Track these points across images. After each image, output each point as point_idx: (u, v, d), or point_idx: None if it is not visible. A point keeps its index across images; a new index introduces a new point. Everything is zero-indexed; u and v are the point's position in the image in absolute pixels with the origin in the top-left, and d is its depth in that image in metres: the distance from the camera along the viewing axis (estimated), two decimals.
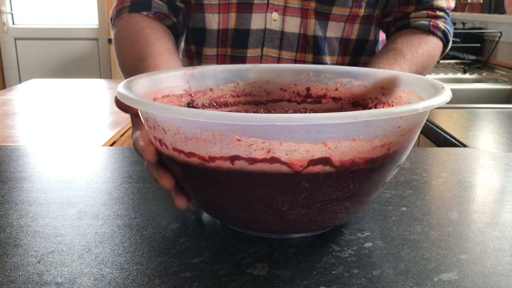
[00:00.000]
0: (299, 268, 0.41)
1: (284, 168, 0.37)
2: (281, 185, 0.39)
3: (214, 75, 0.60)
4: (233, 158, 0.38)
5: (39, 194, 0.57)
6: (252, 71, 0.61)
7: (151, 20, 0.75)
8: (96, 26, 4.03)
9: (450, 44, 0.81)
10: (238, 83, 0.61)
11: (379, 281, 0.39)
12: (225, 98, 0.61)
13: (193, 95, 0.58)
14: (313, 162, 0.37)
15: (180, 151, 0.40)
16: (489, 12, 2.64)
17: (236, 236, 0.46)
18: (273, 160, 0.37)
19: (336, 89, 0.58)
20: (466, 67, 2.13)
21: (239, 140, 0.37)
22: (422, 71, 0.74)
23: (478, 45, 2.26)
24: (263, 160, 0.37)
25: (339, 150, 0.37)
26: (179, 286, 0.39)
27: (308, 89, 0.60)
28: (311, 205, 0.41)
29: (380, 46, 0.88)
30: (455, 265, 0.42)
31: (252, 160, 0.37)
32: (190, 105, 0.59)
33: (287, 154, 0.37)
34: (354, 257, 0.43)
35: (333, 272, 0.41)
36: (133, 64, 0.67)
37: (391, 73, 0.55)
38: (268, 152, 0.37)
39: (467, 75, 2.00)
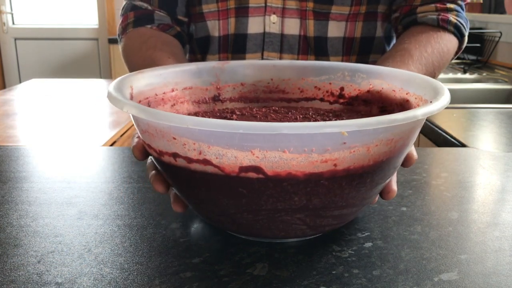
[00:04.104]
0: (299, 268, 0.41)
1: (218, 172, 0.37)
2: (220, 187, 0.39)
3: (247, 70, 0.60)
4: (175, 155, 0.39)
5: (39, 194, 0.57)
6: (288, 68, 0.60)
7: (156, 31, 0.76)
8: (96, 26, 4.03)
9: (466, 39, 0.76)
10: (271, 79, 0.60)
11: (379, 281, 0.39)
12: (256, 93, 0.60)
13: (220, 88, 0.58)
14: (244, 169, 0.36)
15: (145, 143, 0.43)
16: (489, 12, 2.64)
17: (236, 236, 0.46)
18: (206, 162, 0.37)
19: (368, 91, 0.56)
20: (466, 67, 2.13)
21: (174, 138, 0.38)
22: (434, 71, 0.69)
23: (478, 45, 2.27)
24: (198, 161, 0.38)
25: (269, 160, 0.36)
26: (179, 286, 0.39)
27: (342, 88, 0.58)
28: (257, 212, 0.40)
29: (394, 41, 0.84)
30: (455, 265, 0.42)
31: (189, 159, 0.38)
32: (216, 98, 0.59)
33: (217, 158, 0.37)
34: (354, 257, 0.43)
35: (333, 272, 0.41)
36: (146, 68, 0.68)
37: (411, 75, 0.52)
38: (200, 153, 0.37)
39: (467, 75, 2.00)
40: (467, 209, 0.53)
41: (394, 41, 0.84)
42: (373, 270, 0.41)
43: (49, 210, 0.52)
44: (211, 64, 0.59)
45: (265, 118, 0.53)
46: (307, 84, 0.60)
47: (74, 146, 1.08)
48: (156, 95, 0.53)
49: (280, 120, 0.52)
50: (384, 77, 0.55)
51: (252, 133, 0.34)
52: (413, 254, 0.44)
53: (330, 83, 0.59)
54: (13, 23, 4.08)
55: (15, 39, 4.07)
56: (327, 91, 0.59)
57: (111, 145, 1.35)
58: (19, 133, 1.44)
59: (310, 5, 0.75)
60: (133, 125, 1.56)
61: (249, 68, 0.60)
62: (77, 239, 0.46)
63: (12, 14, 4.06)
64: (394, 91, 0.53)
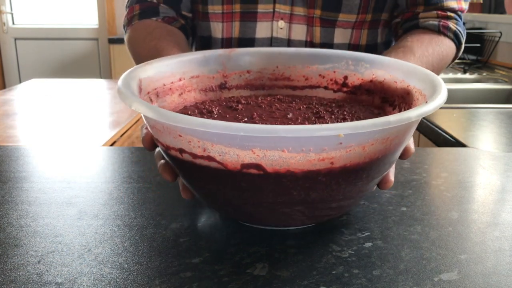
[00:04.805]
0: (299, 268, 0.41)
1: (222, 167, 0.38)
2: (224, 181, 0.40)
3: (253, 57, 0.60)
4: (181, 151, 0.40)
5: (39, 194, 0.57)
6: (294, 56, 0.61)
7: (161, 23, 0.78)
8: (96, 26, 4.03)
9: (463, 47, 0.78)
10: (277, 67, 0.61)
11: (379, 281, 0.39)
12: (262, 81, 0.61)
13: (226, 76, 0.59)
14: (245, 166, 0.38)
15: (154, 137, 0.44)
16: (489, 12, 2.64)
17: (236, 236, 0.47)
18: (210, 158, 0.38)
19: (371, 81, 0.57)
20: (466, 67, 2.13)
21: (180, 136, 0.39)
22: (433, 71, 0.70)
23: (478, 45, 2.26)
24: (202, 157, 0.39)
25: (269, 159, 0.37)
26: (179, 286, 0.39)
27: (345, 77, 0.59)
28: (258, 204, 0.41)
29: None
30: (455, 265, 0.42)
31: (194, 155, 0.39)
32: (222, 86, 0.59)
33: (220, 155, 0.38)
34: (354, 257, 0.43)
35: (333, 272, 0.41)
36: (150, 58, 0.68)
37: (413, 67, 0.53)
38: (204, 150, 0.38)
39: (467, 75, 2.00)
40: (467, 209, 0.53)
41: (392, 45, 0.84)
42: (373, 270, 0.41)
43: (49, 210, 0.52)
44: (217, 52, 0.60)
45: (270, 107, 0.54)
46: (312, 72, 0.61)
47: (74, 146, 1.08)
48: (164, 85, 0.54)
49: (284, 110, 0.53)
50: (386, 68, 0.56)
51: (252, 135, 0.36)
52: (413, 254, 0.44)
53: (334, 72, 0.60)
54: (13, 23, 4.08)
55: (15, 39, 4.07)
56: (331, 80, 0.60)
57: (111, 145, 1.35)
58: (19, 133, 1.44)
59: (318, 12, 0.76)
60: (133, 125, 1.56)
61: (255, 56, 0.61)
62: (77, 239, 0.46)
63: (12, 14, 4.06)
64: (395, 82, 0.54)
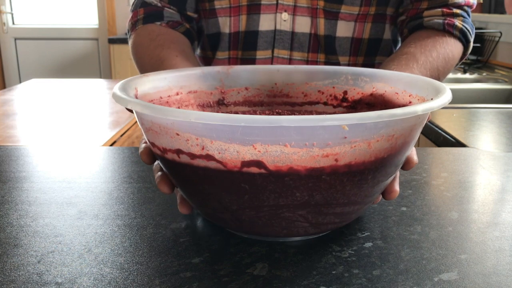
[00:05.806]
0: (299, 268, 0.41)
1: (221, 167, 0.38)
2: (223, 183, 0.39)
3: (251, 74, 0.60)
4: (178, 152, 0.39)
5: (39, 194, 0.57)
6: (292, 72, 0.61)
7: (165, 28, 0.77)
8: (96, 26, 4.03)
9: (471, 45, 0.76)
10: (275, 84, 0.61)
11: (379, 281, 0.39)
12: (261, 97, 0.61)
13: (224, 92, 0.59)
14: (246, 164, 0.37)
15: (149, 142, 0.44)
16: (489, 12, 2.64)
17: (236, 236, 0.46)
18: (209, 157, 0.38)
19: (371, 94, 0.56)
20: (466, 67, 2.13)
21: (177, 134, 0.38)
22: (438, 75, 0.69)
23: (478, 45, 2.26)
24: (201, 157, 0.38)
25: (270, 155, 0.36)
26: (179, 286, 0.39)
27: (345, 92, 0.58)
28: (259, 208, 0.40)
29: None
30: (455, 265, 0.42)
31: (192, 155, 0.38)
32: (220, 102, 0.59)
33: (219, 153, 0.37)
34: (354, 257, 0.43)
35: (333, 272, 0.41)
36: (152, 67, 0.69)
37: (416, 78, 0.52)
38: (203, 149, 0.37)
39: (467, 75, 2.00)
40: (467, 209, 0.53)
41: (400, 44, 0.84)
42: (373, 270, 0.41)
43: (49, 210, 0.52)
44: (216, 69, 0.59)
45: None
46: (310, 88, 0.60)
47: (74, 146, 1.08)
48: (161, 98, 0.53)
49: None
50: (387, 80, 0.55)
51: (254, 126, 0.35)
52: (413, 254, 0.44)
53: (333, 87, 0.59)
54: (13, 23, 4.08)
55: (15, 39, 4.07)
56: (330, 95, 0.59)
57: (111, 145, 1.35)
58: (19, 133, 1.44)
59: (321, 3, 0.75)
60: (133, 125, 1.56)
61: (253, 73, 0.61)
62: (77, 239, 0.46)
63: (12, 14, 4.07)
64: (397, 93, 0.53)
